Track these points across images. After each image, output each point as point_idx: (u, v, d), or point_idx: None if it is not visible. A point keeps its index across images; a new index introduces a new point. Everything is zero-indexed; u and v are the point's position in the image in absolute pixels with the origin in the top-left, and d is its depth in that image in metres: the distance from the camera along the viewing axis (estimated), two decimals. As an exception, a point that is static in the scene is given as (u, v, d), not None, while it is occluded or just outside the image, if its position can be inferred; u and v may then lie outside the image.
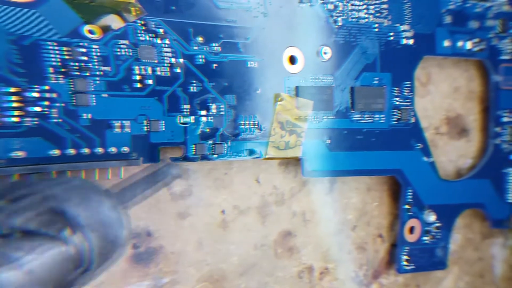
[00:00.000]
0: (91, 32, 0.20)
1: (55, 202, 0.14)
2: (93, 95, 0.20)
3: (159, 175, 0.19)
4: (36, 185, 0.15)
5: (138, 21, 0.21)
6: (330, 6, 0.25)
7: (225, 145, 0.23)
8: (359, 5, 0.26)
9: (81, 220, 0.14)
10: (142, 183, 0.18)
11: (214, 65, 0.23)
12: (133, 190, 0.18)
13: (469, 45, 0.30)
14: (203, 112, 0.23)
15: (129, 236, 0.16)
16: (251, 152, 0.24)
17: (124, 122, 0.21)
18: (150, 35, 0.21)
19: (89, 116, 0.20)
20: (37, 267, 0.13)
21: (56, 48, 0.19)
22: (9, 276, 0.12)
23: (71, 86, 0.20)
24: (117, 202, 0.16)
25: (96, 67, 0.20)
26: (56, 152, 0.20)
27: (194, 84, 0.22)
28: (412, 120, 0.28)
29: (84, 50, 0.20)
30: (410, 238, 0.29)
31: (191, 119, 0.22)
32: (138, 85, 0.21)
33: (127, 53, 0.21)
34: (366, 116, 0.27)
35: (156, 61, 0.22)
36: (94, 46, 0.20)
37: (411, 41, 0.28)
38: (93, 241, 0.15)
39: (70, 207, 0.14)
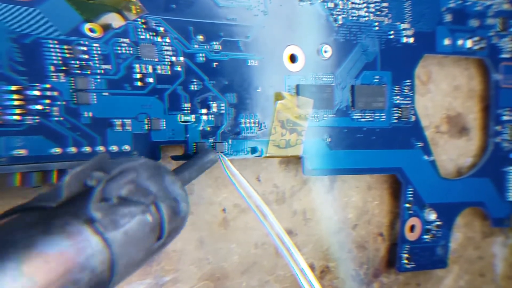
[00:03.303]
0: (91, 30, 0.20)
1: (133, 175, 0.16)
2: (94, 94, 0.20)
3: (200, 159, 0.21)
4: (117, 161, 0.17)
5: (139, 19, 0.21)
6: (330, 5, 0.25)
7: (226, 143, 0.23)
8: (359, 4, 0.26)
9: (152, 192, 0.17)
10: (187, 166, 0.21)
11: (215, 63, 0.23)
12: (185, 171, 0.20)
13: (469, 43, 0.30)
14: (204, 111, 0.23)
15: (189, 211, 0.19)
16: (252, 150, 0.24)
17: (125, 120, 0.21)
18: (151, 33, 0.21)
19: (90, 114, 0.20)
20: (130, 229, 0.15)
21: (57, 46, 0.19)
22: (113, 236, 0.15)
23: (72, 84, 0.20)
24: (178, 179, 0.18)
25: (97, 65, 0.20)
26: (57, 150, 0.20)
27: (195, 83, 0.22)
28: (413, 118, 0.28)
29: (85, 48, 0.20)
30: (411, 236, 0.29)
31: (192, 117, 0.22)
32: (139, 83, 0.21)
33: (127, 52, 0.21)
34: (366, 114, 0.27)
35: (156, 60, 0.22)
36: (94, 45, 0.20)
37: (411, 40, 0.28)
38: (163, 212, 0.17)
39: (142, 180, 0.17)
